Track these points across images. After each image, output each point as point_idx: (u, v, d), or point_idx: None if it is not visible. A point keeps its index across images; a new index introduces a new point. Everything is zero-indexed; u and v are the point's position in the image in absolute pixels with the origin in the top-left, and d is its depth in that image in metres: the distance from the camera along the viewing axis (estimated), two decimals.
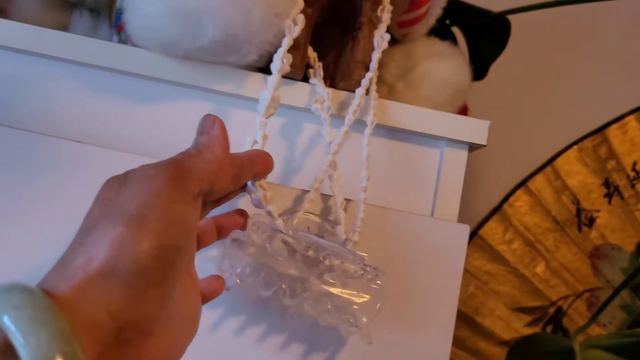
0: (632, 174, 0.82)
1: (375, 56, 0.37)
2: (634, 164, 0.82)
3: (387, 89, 0.43)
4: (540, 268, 0.79)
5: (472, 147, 0.38)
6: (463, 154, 0.37)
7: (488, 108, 0.79)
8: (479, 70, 0.61)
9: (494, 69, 0.67)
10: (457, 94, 0.45)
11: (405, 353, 0.33)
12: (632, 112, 0.83)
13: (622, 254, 0.81)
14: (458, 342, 0.77)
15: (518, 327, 0.77)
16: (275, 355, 0.31)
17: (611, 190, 0.81)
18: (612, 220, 0.81)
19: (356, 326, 0.30)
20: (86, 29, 0.46)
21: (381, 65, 0.40)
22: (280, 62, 0.31)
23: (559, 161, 0.81)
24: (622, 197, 0.81)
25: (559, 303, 0.79)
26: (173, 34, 0.33)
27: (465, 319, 0.77)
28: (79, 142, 0.33)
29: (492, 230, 0.79)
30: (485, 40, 0.58)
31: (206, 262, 0.31)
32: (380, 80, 0.43)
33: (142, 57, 0.35)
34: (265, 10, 0.32)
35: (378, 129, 0.36)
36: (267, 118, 0.31)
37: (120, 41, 0.43)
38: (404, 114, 0.37)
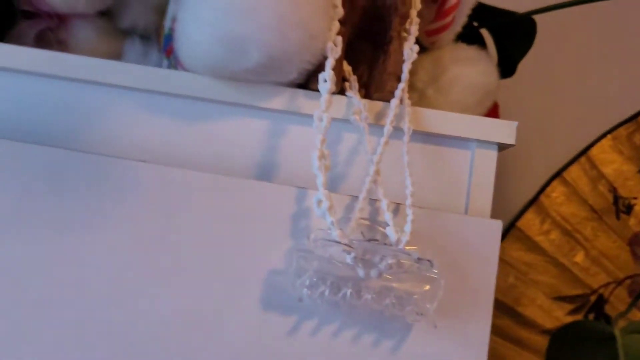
0: None
1: (406, 67, 0.40)
2: None
3: (418, 95, 0.46)
4: (579, 257, 0.80)
5: (502, 147, 0.40)
6: (493, 154, 0.39)
7: (520, 103, 0.81)
8: (508, 68, 0.63)
9: (525, 65, 0.68)
10: (485, 95, 0.48)
11: (447, 343, 0.36)
12: None
13: None
14: (500, 332, 0.79)
15: (559, 315, 0.79)
16: (349, 346, 0.35)
17: None
18: None
19: (421, 314, 0.34)
20: (138, 55, 0.50)
21: (411, 73, 0.43)
22: (328, 83, 0.35)
23: (594, 150, 0.82)
24: None
25: (600, 291, 0.80)
26: (221, 59, 0.36)
27: (506, 309, 0.78)
28: (143, 161, 0.37)
29: (530, 222, 0.81)
30: (513, 39, 0.60)
31: (273, 275, 0.35)
32: (411, 87, 0.46)
33: (194, 81, 0.39)
34: (301, 33, 0.35)
35: (412, 134, 0.38)
36: (323, 141, 0.34)
37: (170, 64, 0.47)
38: (435, 119, 0.39)
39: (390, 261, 0.33)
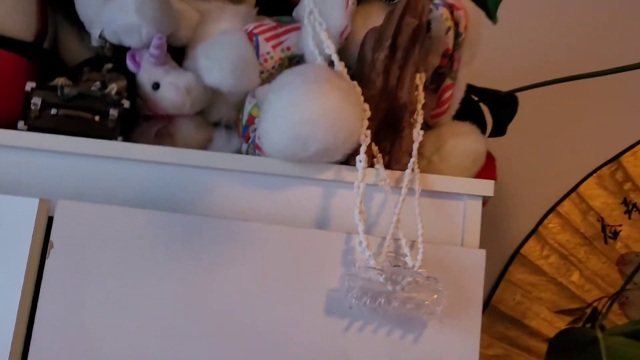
0: None
1: (415, 146, 0.58)
2: None
3: (426, 162, 0.64)
4: (575, 276, 0.96)
5: (485, 198, 0.58)
6: (478, 204, 0.57)
7: (518, 152, 0.99)
8: (500, 130, 0.81)
9: (521, 120, 0.86)
10: (477, 158, 0.66)
11: (449, 335, 0.53)
12: None
13: None
14: (511, 341, 0.95)
15: (561, 326, 0.94)
16: (384, 339, 0.52)
17: (630, 208, 0.98)
18: (633, 232, 0.98)
19: (432, 314, 0.51)
20: (224, 141, 0.70)
21: (421, 145, 0.61)
22: (362, 162, 0.53)
23: (582, 188, 0.99)
24: None
25: (594, 304, 0.95)
26: (291, 151, 0.55)
27: (514, 322, 0.95)
28: (246, 221, 0.56)
29: (531, 249, 0.97)
30: (501, 109, 0.78)
31: (333, 292, 0.53)
32: (420, 155, 0.64)
33: (273, 162, 0.58)
34: (346, 132, 0.54)
35: (421, 192, 0.57)
36: (361, 202, 0.53)
37: (248, 148, 0.66)
38: (437, 181, 0.58)
39: (409, 279, 0.51)
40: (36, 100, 0.59)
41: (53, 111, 0.60)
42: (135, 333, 0.52)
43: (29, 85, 0.60)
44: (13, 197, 0.53)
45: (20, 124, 0.59)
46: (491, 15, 0.35)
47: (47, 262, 0.52)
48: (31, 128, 0.59)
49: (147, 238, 0.54)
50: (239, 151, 0.70)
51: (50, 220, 0.54)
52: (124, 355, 0.52)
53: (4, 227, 0.52)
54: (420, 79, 0.61)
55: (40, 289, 0.52)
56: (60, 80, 0.61)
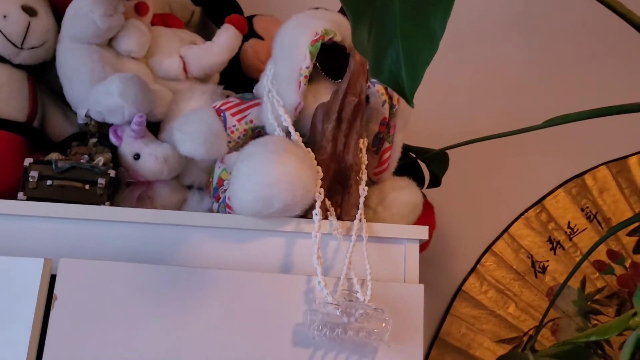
0: (568, 230, 1.12)
1: (362, 200, 0.70)
2: (568, 223, 1.12)
3: (372, 212, 0.76)
4: (511, 308, 1.08)
5: (421, 241, 0.69)
6: (416, 246, 0.69)
7: (454, 200, 1.11)
8: (436, 182, 0.94)
9: (455, 172, 0.99)
10: (414, 208, 0.77)
11: (395, 356, 0.63)
12: (560, 186, 1.14)
13: (571, 290, 1.09)
14: None
15: (502, 353, 1.05)
16: None
17: (554, 245, 1.11)
18: (559, 266, 1.11)
19: (381, 340, 0.61)
20: (197, 201, 0.80)
21: (367, 198, 0.73)
22: (318, 215, 0.64)
23: (512, 229, 1.12)
24: (563, 249, 1.11)
25: (530, 332, 1.07)
26: (257, 208, 0.66)
27: (461, 352, 1.05)
28: (220, 269, 0.65)
29: (472, 285, 1.09)
30: (435, 165, 0.92)
31: (297, 326, 0.63)
32: (367, 207, 0.75)
33: (240, 219, 0.68)
34: (302, 191, 0.65)
35: (369, 238, 0.68)
36: (319, 248, 0.63)
37: (219, 207, 0.77)
38: (381, 229, 0.69)
39: (360, 311, 0.61)
40: (33, 174, 0.68)
41: (48, 182, 0.69)
42: None
43: (27, 161, 0.69)
44: (19, 258, 0.61)
45: (20, 194, 0.68)
46: (408, 101, 0.46)
47: (52, 313, 0.60)
48: (30, 198, 0.68)
49: (134, 287, 0.63)
50: (210, 210, 0.80)
51: (51, 277, 0.62)
52: None
53: (11, 285, 0.60)
54: (363, 144, 0.73)
55: (46, 336, 0.60)
56: (54, 155, 0.71)
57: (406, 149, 0.83)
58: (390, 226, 0.69)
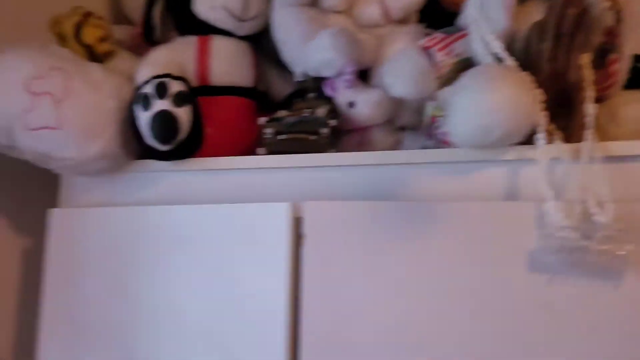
0: None
1: (590, 119, 0.65)
2: None
3: (602, 132, 0.70)
4: None
5: None
6: None
7: None
8: None
9: None
10: None
11: None
12: None
13: None
14: None
15: None
16: (585, 289, 0.60)
17: None
18: None
19: (626, 263, 0.58)
20: (411, 141, 0.82)
21: (595, 117, 0.68)
22: (542, 140, 0.62)
23: None
24: None
25: None
26: (477, 138, 0.65)
27: None
28: (450, 201, 0.67)
29: None
30: None
31: (531, 253, 0.62)
32: (596, 126, 0.70)
33: (459, 152, 0.69)
34: (524, 117, 0.63)
35: (603, 159, 0.63)
36: (547, 174, 0.61)
37: (432, 143, 0.78)
38: (617, 147, 0.64)
39: (602, 233, 0.59)
40: (269, 131, 0.76)
41: (280, 137, 0.76)
42: (378, 295, 0.66)
43: (262, 120, 0.77)
44: (268, 204, 0.70)
45: (261, 150, 0.77)
46: None
47: (303, 251, 0.68)
48: (269, 152, 0.76)
49: (372, 222, 0.68)
50: (425, 148, 0.81)
51: (296, 220, 0.70)
52: (377, 322, 0.66)
53: (262, 228, 0.70)
54: (586, 58, 0.68)
55: (300, 269, 0.68)
56: (282, 113, 0.78)
57: (636, 57, 0.75)
58: (627, 143, 0.64)
